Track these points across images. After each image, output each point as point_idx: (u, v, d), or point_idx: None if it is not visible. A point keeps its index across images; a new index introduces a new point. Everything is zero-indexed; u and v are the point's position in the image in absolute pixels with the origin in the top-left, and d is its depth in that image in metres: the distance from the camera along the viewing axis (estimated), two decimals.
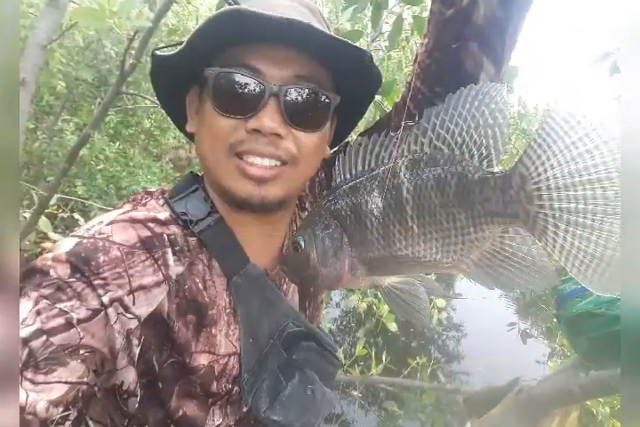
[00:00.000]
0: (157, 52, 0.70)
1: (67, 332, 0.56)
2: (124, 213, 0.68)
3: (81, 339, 0.57)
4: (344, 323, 5.39)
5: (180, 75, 0.72)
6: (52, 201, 2.31)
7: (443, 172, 0.58)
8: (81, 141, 2.06)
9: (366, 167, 0.63)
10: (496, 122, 0.56)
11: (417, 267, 0.62)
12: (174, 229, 0.70)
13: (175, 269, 0.67)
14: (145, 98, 2.50)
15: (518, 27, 0.66)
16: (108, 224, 0.66)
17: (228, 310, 0.72)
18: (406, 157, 0.60)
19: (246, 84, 0.64)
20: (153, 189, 0.78)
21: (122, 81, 1.89)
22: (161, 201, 0.74)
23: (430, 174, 0.58)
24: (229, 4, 0.64)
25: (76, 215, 2.83)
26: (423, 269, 0.63)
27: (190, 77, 0.72)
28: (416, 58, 0.72)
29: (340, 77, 0.72)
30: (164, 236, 0.68)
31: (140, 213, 0.69)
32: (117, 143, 5.14)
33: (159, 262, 0.66)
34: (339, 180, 0.65)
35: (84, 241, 0.62)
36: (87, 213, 3.52)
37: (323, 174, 0.87)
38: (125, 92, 2.08)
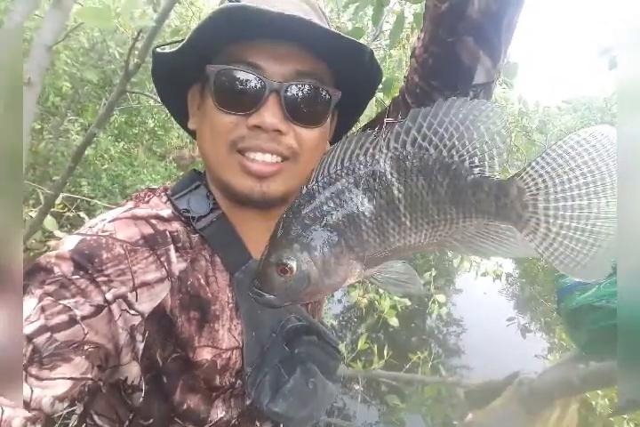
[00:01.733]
0: (158, 50, 0.69)
1: (71, 328, 0.56)
2: (127, 210, 0.68)
3: (85, 335, 0.57)
4: (346, 318, 5.40)
5: (182, 72, 0.71)
6: (58, 200, 2.32)
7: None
8: (86, 141, 2.06)
9: (352, 166, 0.57)
10: (494, 142, 0.55)
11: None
12: (177, 225, 0.69)
13: (178, 265, 0.67)
14: (149, 97, 2.50)
15: (514, 19, 0.65)
16: (110, 221, 0.65)
17: (230, 306, 0.72)
18: (398, 155, 0.57)
19: (247, 80, 0.64)
20: (155, 187, 0.77)
21: (126, 79, 1.89)
22: (164, 198, 0.73)
23: (436, 174, 0.57)
24: (230, 1, 0.64)
25: (82, 214, 2.84)
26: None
27: (192, 75, 0.71)
28: (413, 52, 0.71)
29: (341, 73, 0.72)
30: (167, 233, 0.68)
31: (143, 211, 0.68)
32: (122, 143, 5.15)
33: (162, 259, 0.66)
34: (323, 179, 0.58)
35: (88, 238, 0.62)
36: (92, 211, 3.53)
37: None
38: (130, 91, 2.08)
